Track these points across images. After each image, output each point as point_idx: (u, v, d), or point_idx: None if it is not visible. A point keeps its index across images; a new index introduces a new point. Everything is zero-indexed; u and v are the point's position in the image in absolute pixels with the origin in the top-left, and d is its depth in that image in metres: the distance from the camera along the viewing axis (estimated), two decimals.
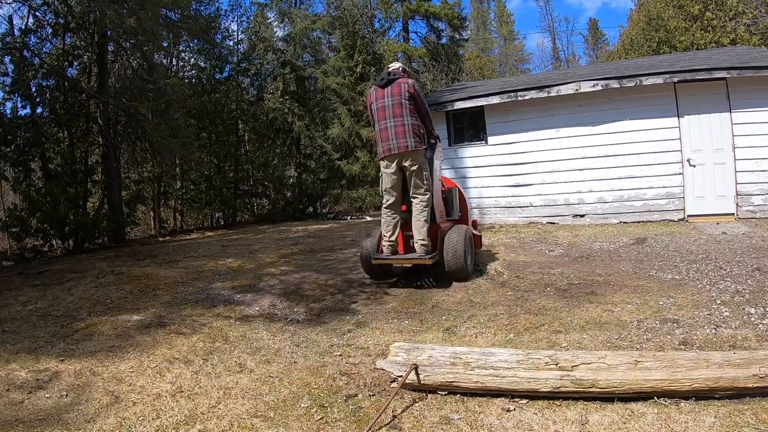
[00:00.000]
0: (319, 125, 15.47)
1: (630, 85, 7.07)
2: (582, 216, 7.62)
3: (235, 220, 13.84)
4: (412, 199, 4.40)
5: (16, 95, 8.92)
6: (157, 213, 12.70)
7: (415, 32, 19.20)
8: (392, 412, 2.43)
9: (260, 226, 11.90)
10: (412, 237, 4.46)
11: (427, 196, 4.37)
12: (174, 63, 13.61)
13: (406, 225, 4.54)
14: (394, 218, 4.48)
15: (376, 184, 15.40)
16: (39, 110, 9.26)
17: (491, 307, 3.96)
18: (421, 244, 4.34)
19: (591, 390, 2.33)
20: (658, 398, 2.29)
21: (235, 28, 22.23)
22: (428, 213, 4.36)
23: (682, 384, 2.26)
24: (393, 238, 4.46)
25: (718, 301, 3.61)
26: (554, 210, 7.77)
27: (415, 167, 4.30)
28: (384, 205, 4.52)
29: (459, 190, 5.23)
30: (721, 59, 7.43)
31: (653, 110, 7.17)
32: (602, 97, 7.37)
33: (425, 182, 4.36)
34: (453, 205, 4.97)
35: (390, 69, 4.58)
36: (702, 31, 15.02)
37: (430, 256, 4.31)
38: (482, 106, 8.07)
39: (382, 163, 4.48)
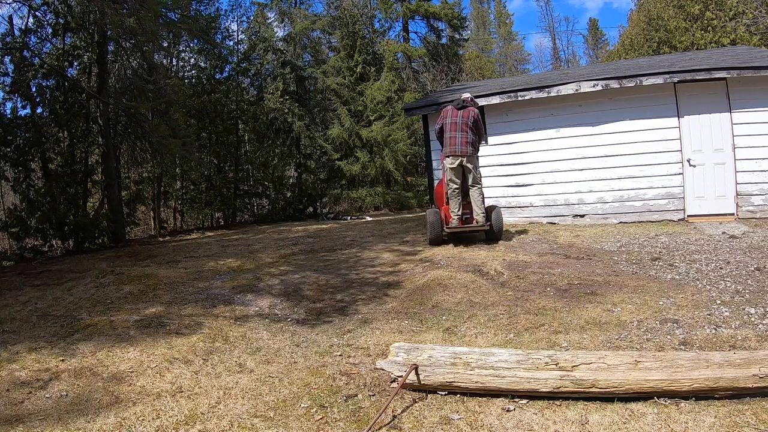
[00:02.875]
0: (319, 125, 15.47)
1: (630, 85, 7.06)
2: (582, 216, 7.61)
3: (235, 220, 13.83)
4: (471, 188, 6.12)
5: (16, 95, 8.92)
6: (157, 213, 12.70)
7: (415, 32, 19.24)
8: (392, 412, 2.43)
9: (260, 226, 11.90)
10: (468, 213, 6.20)
11: (481, 185, 6.20)
12: (174, 63, 13.60)
13: (464, 206, 6.26)
14: (458, 198, 6.17)
15: (376, 184, 15.49)
16: (39, 110, 9.26)
17: (491, 307, 3.96)
18: (482, 216, 6.08)
19: (591, 390, 2.33)
20: (658, 398, 2.29)
21: (235, 28, 22.21)
22: (483, 196, 6.16)
23: (682, 384, 2.26)
24: (459, 212, 6.15)
25: (718, 301, 3.61)
26: (554, 210, 7.76)
27: (470, 166, 6.05)
28: (450, 190, 6.17)
29: None
30: (721, 59, 7.41)
31: (653, 110, 7.16)
32: (602, 97, 7.36)
33: (479, 176, 6.16)
34: None
35: (463, 97, 6.31)
36: (702, 31, 15.00)
37: (486, 224, 6.13)
38: (482, 106, 8.03)
39: (448, 160, 6.11)
